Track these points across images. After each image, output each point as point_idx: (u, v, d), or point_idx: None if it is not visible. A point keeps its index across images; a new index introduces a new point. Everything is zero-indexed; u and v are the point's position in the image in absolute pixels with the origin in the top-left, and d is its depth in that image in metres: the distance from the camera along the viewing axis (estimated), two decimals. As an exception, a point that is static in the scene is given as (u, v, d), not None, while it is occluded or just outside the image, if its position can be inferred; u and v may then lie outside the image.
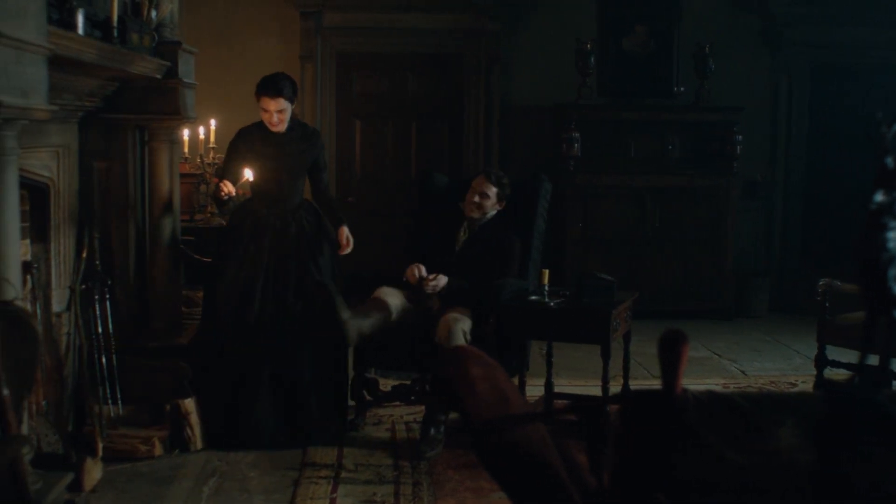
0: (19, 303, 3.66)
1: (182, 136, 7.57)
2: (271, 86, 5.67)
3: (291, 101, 5.76)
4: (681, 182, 9.23)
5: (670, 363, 2.55)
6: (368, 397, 5.95)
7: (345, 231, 5.92)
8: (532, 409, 3.01)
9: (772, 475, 2.60)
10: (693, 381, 7.07)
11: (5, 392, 3.10)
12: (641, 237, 9.21)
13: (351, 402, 5.93)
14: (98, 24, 4.92)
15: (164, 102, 5.73)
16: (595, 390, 6.29)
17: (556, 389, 6.21)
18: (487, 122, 9.47)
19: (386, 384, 6.06)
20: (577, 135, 8.99)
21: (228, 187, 5.64)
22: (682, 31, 9.57)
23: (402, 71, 9.51)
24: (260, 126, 5.85)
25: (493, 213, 5.97)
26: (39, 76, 3.54)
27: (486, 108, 9.47)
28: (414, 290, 5.78)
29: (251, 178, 5.69)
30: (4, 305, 3.45)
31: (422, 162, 9.49)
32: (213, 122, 8.22)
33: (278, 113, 5.71)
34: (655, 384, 6.89)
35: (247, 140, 5.85)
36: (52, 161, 5.10)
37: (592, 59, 9.12)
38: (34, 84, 3.49)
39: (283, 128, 5.79)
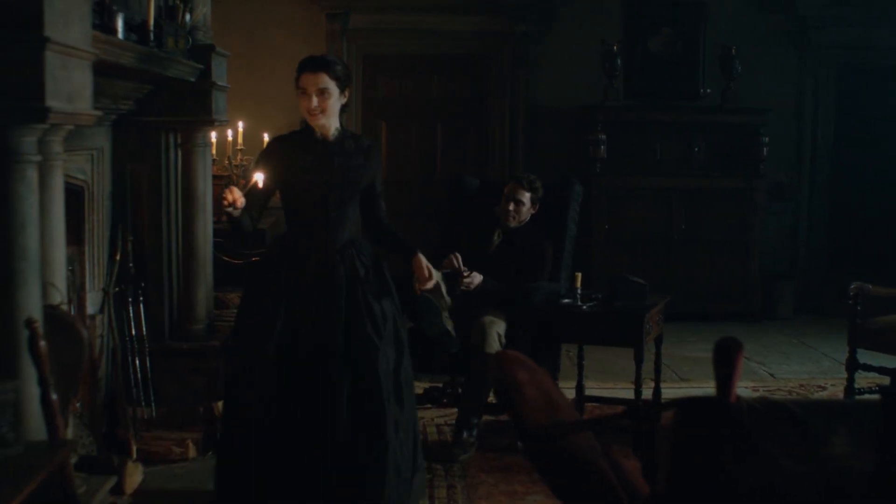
0: (64, 307, 3.67)
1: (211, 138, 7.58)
2: (314, 60, 4.39)
3: (340, 85, 4.37)
4: (707, 184, 9.22)
5: (725, 370, 2.54)
6: (400, 400, 5.94)
7: (422, 260, 4.58)
8: (577, 414, 3.00)
9: (827, 483, 2.59)
10: (721, 384, 7.06)
11: (54, 397, 3.11)
12: (667, 239, 9.20)
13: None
14: (134, 28, 4.93)
15: (197, 105, 5.72)
16: (624, 393, 6.31)
17: (587, 392, 6.21)
18: (513, 124, 9.47)
19: (418, 387, 6.04)
20: (604, 136, 8.98)
21: (234, 194, 4.14)
22: (708, 32, 9.55)
23: (428, 73, 9.51)
24: (301, 134, 4.50)
25: (527, 218, 5.97)
26: (85, 81, 3.55)
27: (511, 110, 9.47)
28: (449, 279, 5.76)
29: (261, 184, 4.25)
30: (51, 309, 3.46)
31: (447, 164, 9.50)
32: (240, 125, 8.23)
33: (319, 95, 4.30)
34: (685, 387, 6.92)
35: (280, 151, 4.48)
36: (86, 164, 5.12)
37: (619, 61, 9.11)
38: (80, 89, 3.50)
39: (326, 121, 4.37)
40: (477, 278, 5.69)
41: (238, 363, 4.39)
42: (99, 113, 3.64)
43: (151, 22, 5.03)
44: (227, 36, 8.12)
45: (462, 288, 5.69)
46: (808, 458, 2.62)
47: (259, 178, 4.22)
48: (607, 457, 3.03)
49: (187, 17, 5.59)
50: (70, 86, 3.41)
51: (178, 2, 5.56)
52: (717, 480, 2.55)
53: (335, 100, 4.35)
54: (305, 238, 4.45)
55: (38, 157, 3.42)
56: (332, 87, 4.33)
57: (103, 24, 4.27)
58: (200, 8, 5.74)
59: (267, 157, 4.47)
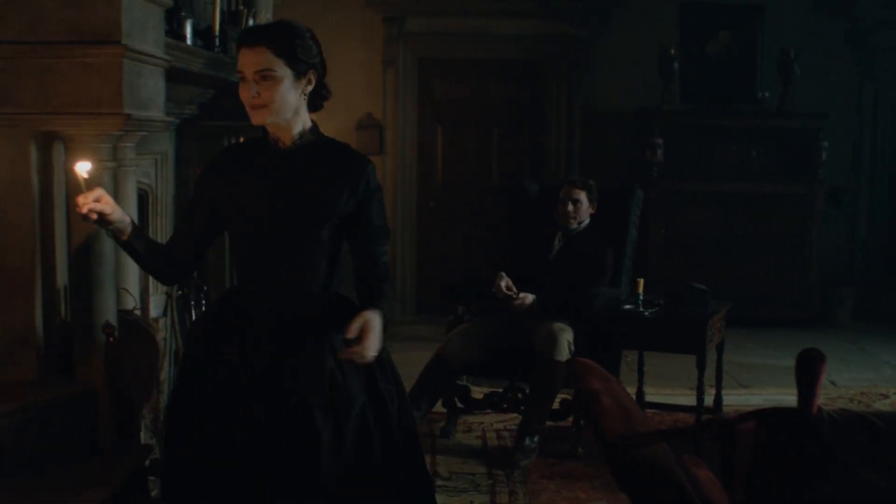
0: (137, 312, 3.71)
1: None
2: (252, 31, 3.18)
3: (297, 66, 2.99)
4: (764, 189, 9.15)
5: (807, 381, 2.52)
6: (460, 405, 5.95)
7: (367, 322, 2.97)
8: (650, 423, 2.99)
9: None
10: (780, 392, 7.00)
11: (129, 401, 3.14)
12: (724, 244, 9.14)
13: (442, 409, 5.93)
14: (200, 34, 4.96)
15: (260, 110, 5.74)
16: (684, 399, 6.26)
17: (646, 398, 6.19)
18: (569, 128, 9.44)
19: (477, 392, 6.04)
20: (660, 141, 8.94)
21: (86, 199, 2.88)
22: (765, 35, 9.47)
23: (484, 77, 9.50)
24: (258, 143, 3.14)
25: (587, 220, 5.94)
26: (158, 88, 3.58)
27: (567, 114, 9.44)
28: (502, 302, 5.76)
29: (85, 175, 2.90)
30: (125, 314, 3.49)
31: (503, 168, 9.50)
32: (298, 128, 8.26)
33: (261, 81, 2.94)
34: (745, 393, 6.85)
35: (223, 165, 3.16)
36: (150, 168, 5.16)
37: (675, 65, 9.06)
38: (154, 96, 3.53)
39: (276, 119, 3.00)
40: (528, 298, 5.67)
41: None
42: (171, 119, 3.68)
43: (217, 27, 5.06)
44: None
45: (514, 310, 5.68)
46: (890, 470, 2.59)
47: (83, 169, 2.89)
48: (681, 466, 3.01)
49: (250, 21, 5.62)
50: (145, 93, 3.44)
51: (241, 7, 5.61)
52: (796, 492, 2.53)
53: (287, 88, 2.96)
54: (254, 288, 3.12)
55: (112, 164, 3.46)
56: (282, 68, 2.94)
57: (173, 31, 4.30)
58: (263, 13, 5.77)
59: (207, 174, 3.17)
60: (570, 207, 5.89)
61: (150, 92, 3.50)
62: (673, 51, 9.02)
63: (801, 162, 9.21)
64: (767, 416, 2.55)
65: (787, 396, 6.79)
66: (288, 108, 2.99)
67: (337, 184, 3.06)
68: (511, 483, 5.21)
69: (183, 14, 4.45)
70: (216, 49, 5.04)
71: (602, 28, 9.41)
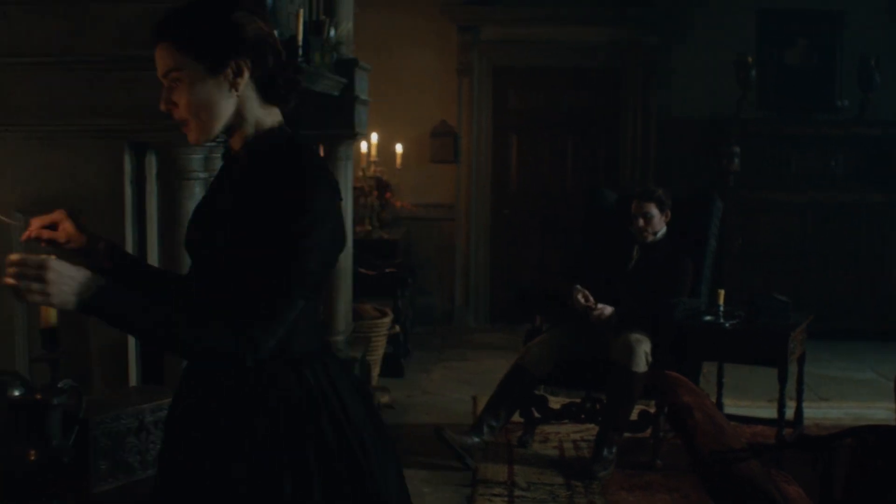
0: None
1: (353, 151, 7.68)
2: (157, 23, 2.29)
3: (210, 58, 2.24)
4: (844, 198, 9.01)
5: (908, 399, 2.48)
6: (537, 414, 5.94)
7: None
8: (740, 437, 2.96)
9: None
10: (860, 406, 6.91)
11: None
12: (803, 254, 9.03)
13: (519, 419, 5.92)
14: (284, 44, 5.00)
15: (340, 119, 5.81)
16: (762, 411, 6.20)
17: (725, 411, 6.12)
18: (645, 136, 9.40)
19: (554, 402, 6.02)
20: (737, 149, 8.85)
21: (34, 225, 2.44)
22: (844, 43, 9.34)
23: (559, 85, 9.48)
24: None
25: (663, 229, 5.90)
26: (248, 99, 3.62)
27: (643, 122, 9.39)
28: (581, 314, 5.74)
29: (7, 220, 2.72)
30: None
31: (578, 176, 9.47)
32: (374, 136, 8.32)
33: (171, 85, 2.27)
34: (824, 406, 6.75)
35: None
36: (233, 177, 5.22)
37: (753, 72, 8.96)
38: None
39: (203, 135, 2.30)
40: (607, 310, 5.65)
41: None
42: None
43: (300, 38, 5.10)
44: (359, 48, 8.23)
45: (592, 321, 5.66)
46: None
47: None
48: (773, 482, 2.98)
49: (332, 31, 5.67)
50: (236, 104, 3.48)
51: (323, 16, 5.65)
52: (897, 512, 2.49)
53: (202, 89, 2.25)
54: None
55: (204, 174, 3.50)
56: (190, 65, 2.24)
57: (260, 42, 4.34)
58: (345, 23, 5.81)
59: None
60: (642, 222, 5.85)
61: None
62: (750, 59, 8.93)
63: (881, 171, 9.06)
64: (865, 434, 2.52)
65: (868, 411, 6.75)
66: (216, 114, 2.27)
67: (246, 202, 2.24)
68: (590, 494, 5.19)
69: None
70: (300, 59, 5.09)
71: (678, 36, 9.34)
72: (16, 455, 2.56)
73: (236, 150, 2.34)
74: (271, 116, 2.34)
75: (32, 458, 2.56)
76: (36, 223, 2.42)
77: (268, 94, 2.32)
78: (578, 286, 5.71)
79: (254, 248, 2.16)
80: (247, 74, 2.26)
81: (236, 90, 2.26)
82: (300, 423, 2.25)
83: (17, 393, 2.52)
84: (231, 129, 2.31)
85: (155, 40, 2.27)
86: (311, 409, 2.26)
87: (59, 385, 2.50)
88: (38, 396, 2.54)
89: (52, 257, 2.06)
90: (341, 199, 2.32)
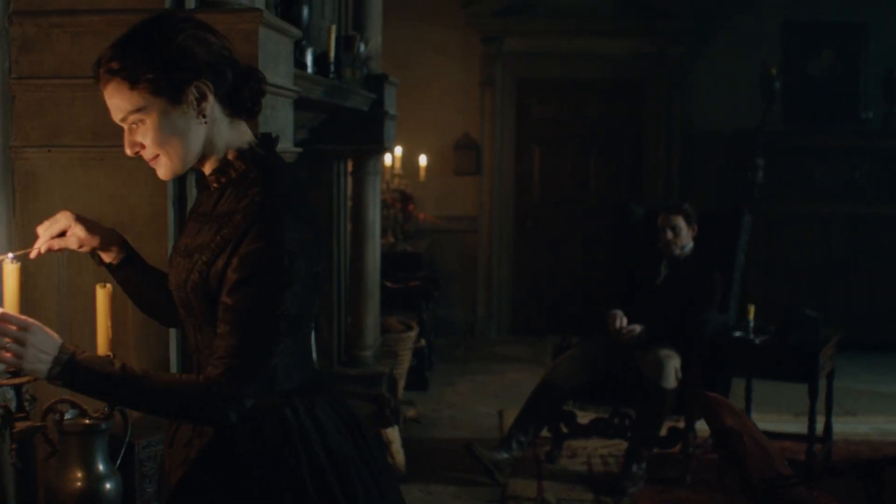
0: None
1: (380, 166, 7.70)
2: (99, 60, 2.14)
3: (164, 87, 2.09)
4: (869, 210, 8.99)
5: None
6: (565, 430, 5.93)
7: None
8: (784, 459, 2.94)
9: None
10: (888, 420, 6.88)
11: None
12: (827, 266, 9.00)
13: (547, 434, 5.91)
14: (315, 60, 5.02)
15: (369, 134, 5.82)
16: (789, 426, 6.18)
17: (754, 426, 6.10)
18: (668, 148, 9.38)
19: (582, 416, 6.01)
20: (761, 161, 8.84)
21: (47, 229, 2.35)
22: (869, 55, 9.31)
23: (582, 96, 9.48)
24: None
25: (690, 243, 5.89)
26: (288, 119, 3.62)
27: (667, 134, 9.38)
28: (613, 335, 5.74)
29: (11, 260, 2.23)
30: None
31: (601, 188, 9.47)
32: (398, 149, 8.32)
33: (129, 125, 2.15)
34: (851, 421, 6.72)
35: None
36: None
37: (777, 84, 8.95)
38: (284, 127, 3.57)
39: (175, 169, 2.18)
40: (636, 329, 5.65)
41: None
42: (300, 150, 3.71)
43: (332, 54, 5.12)
44: (383, 60, 8.24)
45: (622, 342, 5.66)
46: None
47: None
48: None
49: (362, 47, 5.68)
50: (276, 125, 3.48)
51: (353, 32, 5.66)
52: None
53: (168, 120, 2.11)
54: None
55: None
56: (148, 101, 2.10)
57: (296, 60, 4.35)
58: (374, 38, 5.82)
59: None
60: (670, 235, 5.84)
61: (281, 123, 3.54)
62: (774, 70, 8.92)
63: (907, 183, 9.05)
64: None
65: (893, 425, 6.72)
66: (187, 144, 2.14)
67: (223, 241, 2.11)
68: (620, 510, 5.19)
69: (304, 42, 4.50)
70: (331, 75, 5.10)
71: (702, 48, 9.33)
72: (65, 479, 2.57)
73: (207, 177, 2.23)
74: (240, 136, 2.22)
75: (80, 483, 2.57)
76: (44, 235, 2.32)
77: (234, 109, 2.20)
78: (618, 312, 5.71)
79: (226, 294, 2.07)
80: (210, 97, 2.13)
81: (203, 116, 2.14)
82: (276, 472, 2.15)
83: (68, 417, 2.53)
84: (203, 156, 2.19)
85: (99, 80, 2.13)
86: (289, 456, 2.16)
87: (106, 410, 2.50)
88: (87, 421, 2.55)
89: (37, 324, 2.04)
90: (316, 229, 2.22)
